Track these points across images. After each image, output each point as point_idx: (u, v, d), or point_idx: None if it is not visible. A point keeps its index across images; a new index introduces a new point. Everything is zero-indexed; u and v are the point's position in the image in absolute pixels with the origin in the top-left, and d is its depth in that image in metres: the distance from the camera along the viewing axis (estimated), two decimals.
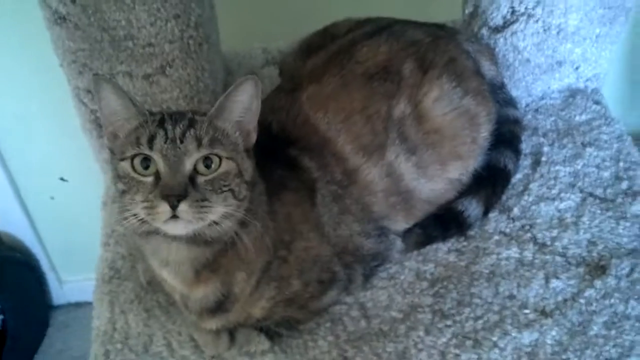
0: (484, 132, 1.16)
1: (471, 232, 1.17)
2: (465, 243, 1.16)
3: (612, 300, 1.03)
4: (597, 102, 1.37)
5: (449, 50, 1.17)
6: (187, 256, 0.95)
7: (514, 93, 1.34)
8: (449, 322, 1.04)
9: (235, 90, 0.90)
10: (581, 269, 1.09)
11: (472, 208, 1.17)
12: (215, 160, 0.88)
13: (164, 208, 0.84)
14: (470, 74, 1.16)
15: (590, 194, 1.20)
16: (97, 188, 1.37)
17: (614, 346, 0.98)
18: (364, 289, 1.11)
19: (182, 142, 0.86)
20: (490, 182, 1.19)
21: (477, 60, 1.23)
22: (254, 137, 0.94)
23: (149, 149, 0.86)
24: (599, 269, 1.09)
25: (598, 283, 1.06)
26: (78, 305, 2.19)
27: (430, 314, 1.06)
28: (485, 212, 1.19)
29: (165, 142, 0.86)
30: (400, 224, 1.14)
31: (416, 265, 1.13)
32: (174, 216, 0.85)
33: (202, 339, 1.05)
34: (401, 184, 1.11)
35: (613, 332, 1.00)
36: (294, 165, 1.06)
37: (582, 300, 1.04)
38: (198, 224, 0.88)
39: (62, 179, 1.89)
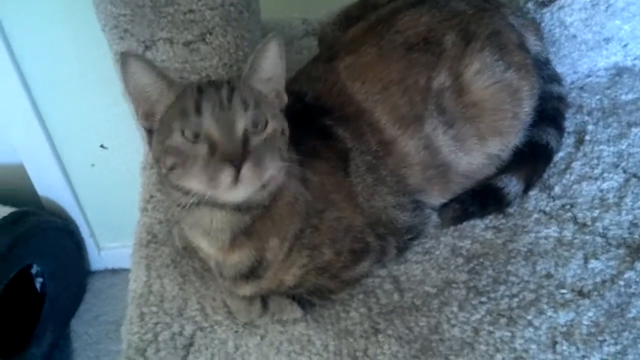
0: (526, 108, 1.14)
1: (510, 210, 1.15)
2: (503, 220, 1.14)
3: None
4: None
5: (493, 23, 1.14)
6: (229, 223, 0.96)
7: (559, 69, 1.31)
8: (483, 299, 1.03)
9: (263, 48, 0.91)
10: (621, 251, 1.06)
11: (512, 185, 1.15)
12: (262, 120, 0.89)
13: (228, 172, 0.84)
14: (514, 47, 1.13)
15: (634, 175, 1.17)
16: (137, 156, 1.37)
17: None
18: (398, 262, 1.10)
19: (229, 105, 0.87)
20: (531, 160, 1.17)
21: (522, 34, 1.20)
22: (285, 98, 0.96)
23: (199, 115, 0.86)
24: (639, 251, 1.06)
25: (638, 265, 1.04)
26: (115, 271, 2.22)
27: (464, 290, 1.05)
28: (526, 190, 1.17)
29: (214, 107, 0.87)
30: (437, 198, 1.13)
31: (452, 241, 1.12)
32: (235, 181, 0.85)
33: (235, 305, 1.05)
34: (438, 157, 1.09)
35: None
36: (328, 134, 1.05)
37: (621, 282, 1.02)
38: (257, 186, 0.89)
39: (102, 146, 1.91)
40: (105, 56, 1.28)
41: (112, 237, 2.18)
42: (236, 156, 0.84)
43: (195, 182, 0.87)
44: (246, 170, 0.84)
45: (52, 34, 1.68)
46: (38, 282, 1.98)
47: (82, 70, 1.76)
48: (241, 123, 0.87)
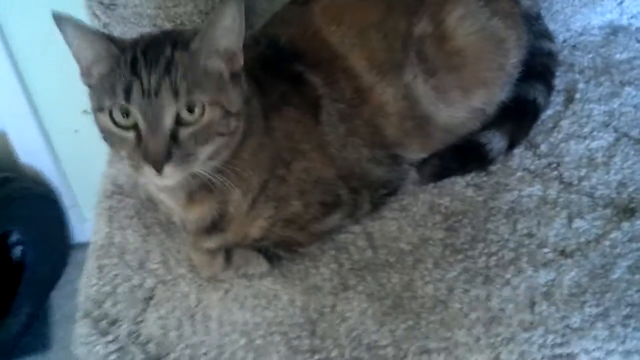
0: (513, 59, 1.08)
1: (492, 167, 1.10)
2: (485, 178, 1.09)
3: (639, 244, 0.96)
4: None
5: None
6: (182, 185, 0.91)
7: (551, 27, 1.25)
8: (460, 257, 0.98)
9: (219, 16, 0.82)
10: (608, 211, 1.01)
11: (495, 141, 1.09)
12: (197, 107, 0.82)
13: (149, 170, 0.81)
14: None
15: (625, 134, 1.11)
16: None
17: (637, 291, 0.90)
18: (373, 218, 1.05)
19: (157, 94, 0.80)
20: (517, 115, 1.12)
21: None
22: (240, 60, 0.87)
23: (127, 101, 0.81)
24: (627, 211, 1.01)
25: (626, 225, 0.98)
26: None
27: (440, 247, 1.00)
28: (510, 147, 1.11)
29: (142, 95, 0.80)
30: (416, 152, 1.08)
31: (431, 198, 1.07)
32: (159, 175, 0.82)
33: (198, 259, 1.01)
34: (418, 107, 1.04)
35: (637, 276, 0.92)
36: (298, 80, 1.00)
37: (606, 242, 0.97)
38: (186, 174, 0.85)
39: (85, 111, 1.86)
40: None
41: None
42: (159, 156, 0.80)
43: (125, 164, 0.85)
44: (169, 169, 0.81)
45: None
46: (18, 250, 1.94)
47: None
48: (168, 115, 0.81)
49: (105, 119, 0.84)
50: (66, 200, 2.08)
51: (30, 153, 1.95)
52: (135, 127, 0.82)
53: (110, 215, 1.09)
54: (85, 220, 2.15)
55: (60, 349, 1.85)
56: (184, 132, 0.82)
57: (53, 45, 1.66)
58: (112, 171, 1.17)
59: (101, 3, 1.18)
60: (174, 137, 0.81)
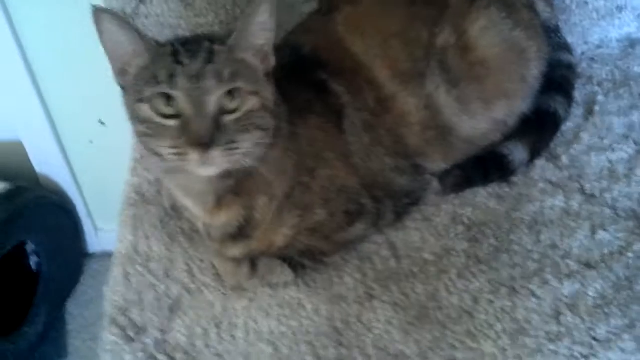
0: (534, 70, 1.09)
1: (514, 179, 1.10)
2: (507, 189, 1.09)
3: None
4: None
5: None
6: (213, 185, 0.92)
7: (569, 39, 1.26)
8: (484, 268, 0.99)
9: (256, 12, 0.84)
10: (631, 223, 1.01)
11: (517, 152, 1.10)
12: (239, 95, 0.83)
13: (195, 156, 0.81)
14: (522, 6, 1.08)
15: None
16: None
17: None
18: (396, 228, 1.06)
19: (202, 78, 0.81)
20: (538, 127, 1.12)
21: None
22: (272, 60, 0.89)
23: (171, 87, 0.81)
24: None
25: None
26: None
27: (464, 258, 1.00)
28: (531, 158, 1.12)
29: (187, 80, 0.81)
30: (438, 163, 1.09)
31: (453, 209, 1.07)
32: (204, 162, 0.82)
33: (223, 267, 1.01)
34: (440, 118, 1.04)
35: None
36: (322, 88, 1.01)
37: (630, 254, 0.97)
38: (229, 165, 0.85)
39: (101, 122, 1.87)
40: None
41: (110, 218, 2.12)
42: (205, 139, 0.81)
43: (167, 155, 0.84)
44: (215, 153, 0.81)
45: (52, 6, 1.65)
46: (33, 260, 1.95)
47: (81, 44, 1.72)
48: (213, 100, 0.82)
49: (146, 108, 0.83)
50: (80, 210, 2.09)
51: (46, 163, 1.96)
52: (177, 116, 0.82)
53: (135, 223, 1.10)
54: (99, 230, 2.16)
55: (76, 358, 1.85)
56: (227, 119, 0.83)
57: (70, 57, 1.71)
58: (135, 179, 1.17)
59: (123, 12, 1.19)
60: (217, 124, 0.82)
